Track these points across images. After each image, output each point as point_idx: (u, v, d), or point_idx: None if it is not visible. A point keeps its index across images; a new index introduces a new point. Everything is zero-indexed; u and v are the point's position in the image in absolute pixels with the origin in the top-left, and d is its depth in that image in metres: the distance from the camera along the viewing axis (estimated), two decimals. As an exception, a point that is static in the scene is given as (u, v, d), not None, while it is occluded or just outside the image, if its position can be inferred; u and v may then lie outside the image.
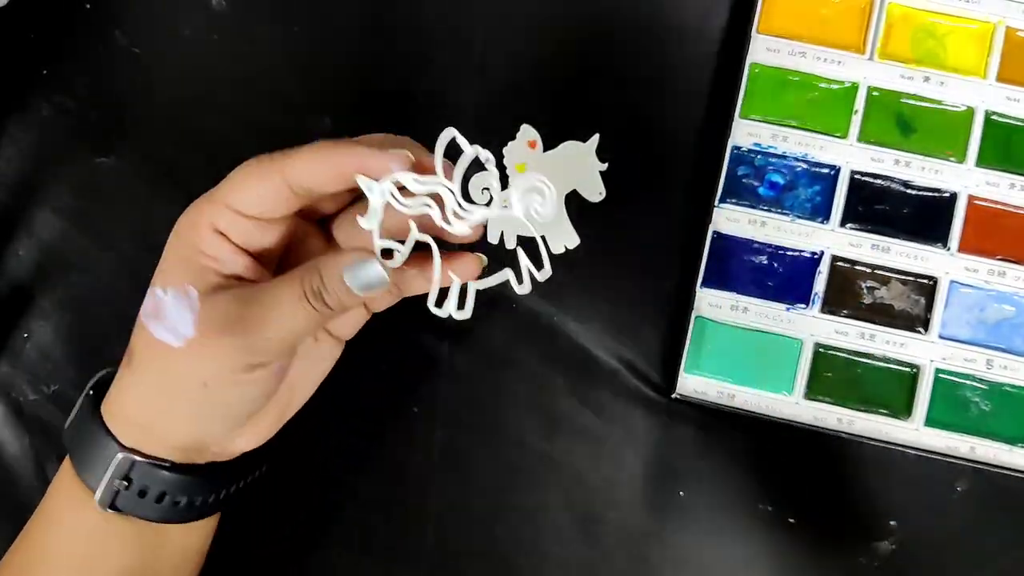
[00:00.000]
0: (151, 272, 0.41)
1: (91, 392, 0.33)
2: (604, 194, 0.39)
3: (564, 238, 0.39)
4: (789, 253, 0.40)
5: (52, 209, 0.41)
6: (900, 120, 0.40)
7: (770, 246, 0.40)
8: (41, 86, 0.42)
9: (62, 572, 0.32)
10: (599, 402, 0.41)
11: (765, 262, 0.40)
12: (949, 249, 0.40)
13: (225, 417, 0.32)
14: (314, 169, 0.30)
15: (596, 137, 0.39)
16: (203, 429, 0.32)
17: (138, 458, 0.31)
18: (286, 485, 0.40)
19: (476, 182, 0.33)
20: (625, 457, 0.41)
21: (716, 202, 0.40)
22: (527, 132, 0.38)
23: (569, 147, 0.39)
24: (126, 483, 0.31)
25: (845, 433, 0.39)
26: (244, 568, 0.40)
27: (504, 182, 0.33)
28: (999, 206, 0.40)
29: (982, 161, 0.40)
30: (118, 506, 0.31)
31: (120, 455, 0.31)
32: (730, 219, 0.40)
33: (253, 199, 0.31)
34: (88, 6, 0.42)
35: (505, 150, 0.39)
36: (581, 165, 0.39)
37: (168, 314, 0.30)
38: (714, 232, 0.40)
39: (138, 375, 0.32)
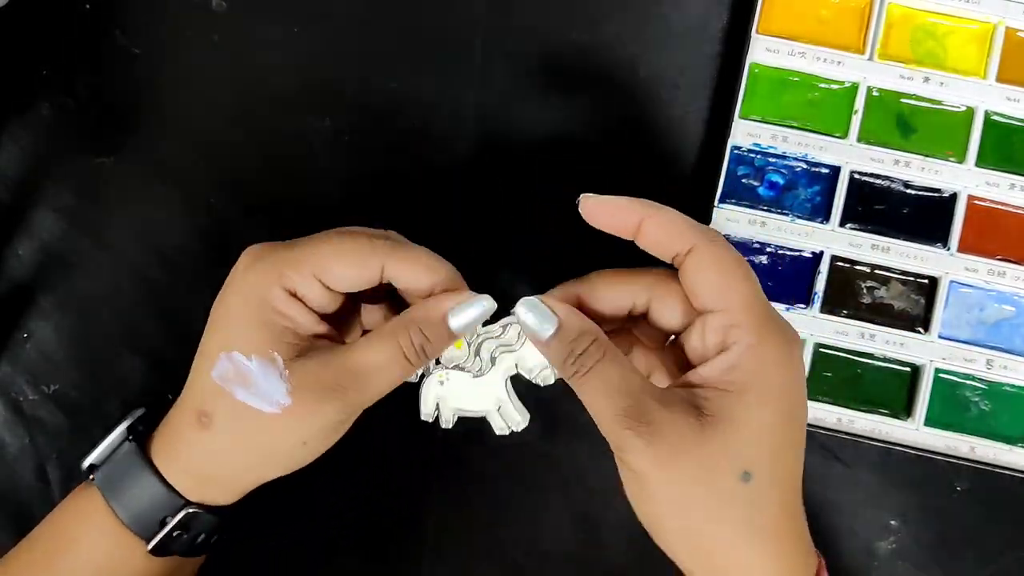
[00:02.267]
0: (151, 272, 0.41)
1: (131, 439, 0.33)
2: (553, 378, 0.34)
3: (510, 419, 0.35)
4: (789, 253, 0.40)
5: (52, 209, 0.41)
6: (900, 120, 0.40)
7: (770, 246, 0.40)
8: (41, 86, 0.42)
9: None
10: (599, 402, 0.41)
11: (765, 262, 0.40)
12: (949, 249, 0.40)
13: (307, 460, 0.32)
14: (418, 276, 0.32)
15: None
16: (282, 472, 0.33)
17: (201, 510, 0.32)
18: (285, 486, 0.40)
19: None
20: (625, 457, 0.41)
21: (716, 202, 0.40)
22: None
23: (511, 328, 0.34)
24: (184, 532, 0.32)
25: (845, 433, 0.39)
26: (244, 570, 0.40)
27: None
28: (999, 206, 0.40)
29: (982, 161, 0.40)
30: (170, 550, 0.32)
31: (185, 511, 0.32)
32: (730, 219, 0.40)
33: (346, 279, 0.31)
34: (88, 6, 0.42)
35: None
36: (524, 349, 0.34)
37: (257, 383, 0.30)
38: (714, 232, 0.40)
39: (222, 439, 0.31)
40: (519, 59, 0.42)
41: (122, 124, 0.42)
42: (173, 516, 0.32)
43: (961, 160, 0.40)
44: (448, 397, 0.35)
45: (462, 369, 0.34)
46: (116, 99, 0.42)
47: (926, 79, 0.40)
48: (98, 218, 0.41)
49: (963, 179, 0.40)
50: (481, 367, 0.34)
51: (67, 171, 0.41)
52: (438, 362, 0.35)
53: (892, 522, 0.41)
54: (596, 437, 0.41)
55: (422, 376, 0.35)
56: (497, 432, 0.35)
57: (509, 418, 0.35)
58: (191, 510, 0.32)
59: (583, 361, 0.30)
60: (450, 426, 0.35)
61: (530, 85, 0.42)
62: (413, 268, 0.31)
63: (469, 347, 0.34)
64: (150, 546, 0.32)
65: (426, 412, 0.35)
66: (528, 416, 0.35)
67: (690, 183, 0.41)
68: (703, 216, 0.40)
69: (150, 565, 0.32)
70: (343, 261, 0.31)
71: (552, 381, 0.35)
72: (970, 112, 0.40)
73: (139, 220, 0.41)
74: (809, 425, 0.39)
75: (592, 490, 0.41)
